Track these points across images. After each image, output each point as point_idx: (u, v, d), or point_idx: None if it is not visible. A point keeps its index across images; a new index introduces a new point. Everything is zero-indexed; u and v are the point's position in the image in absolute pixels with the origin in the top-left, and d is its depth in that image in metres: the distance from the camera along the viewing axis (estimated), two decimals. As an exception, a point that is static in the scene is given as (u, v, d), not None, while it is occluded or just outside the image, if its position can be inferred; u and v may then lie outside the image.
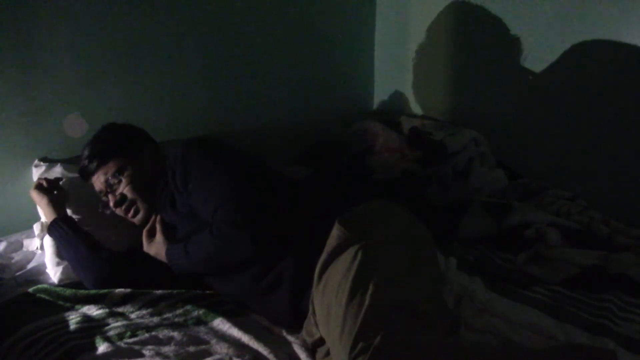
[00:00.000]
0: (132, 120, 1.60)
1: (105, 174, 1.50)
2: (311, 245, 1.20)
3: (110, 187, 1.51)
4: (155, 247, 1.43)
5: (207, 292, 1.39)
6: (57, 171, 1.67)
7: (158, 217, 1.47)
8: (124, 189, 1.50)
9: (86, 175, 1.53)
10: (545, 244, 1.57)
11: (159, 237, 1.44)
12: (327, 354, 1.12)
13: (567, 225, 1.64)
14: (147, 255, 1.46)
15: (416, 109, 2.39)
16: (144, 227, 1.49)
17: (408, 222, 1.17)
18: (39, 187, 1.56)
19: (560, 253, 1.52)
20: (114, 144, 1.52)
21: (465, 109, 2.26)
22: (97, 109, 1.81)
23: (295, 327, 1.25)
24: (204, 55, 2.03)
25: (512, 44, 2.03)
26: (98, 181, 1.52)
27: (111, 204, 1.51)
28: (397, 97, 2.48)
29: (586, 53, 1.83)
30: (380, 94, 2.55)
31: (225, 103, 2.12)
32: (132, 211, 1.51)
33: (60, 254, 1.51)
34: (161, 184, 1.50)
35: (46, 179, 1.58)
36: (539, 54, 1.96)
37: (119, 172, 1.50)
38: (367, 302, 0.98)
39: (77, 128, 1.77)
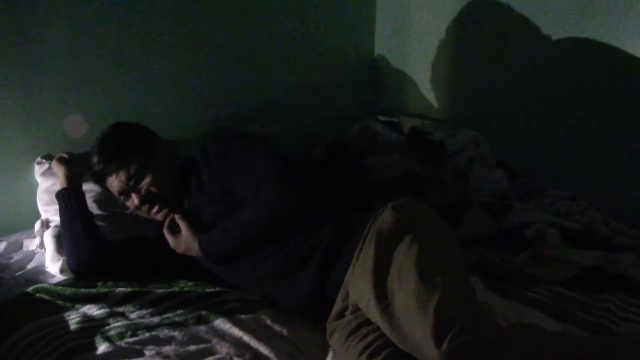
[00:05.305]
0: (132, 119, 1.60)
1: (127, 172, 1.43)
2: (343, 219, 1.31)
3: (133, 186, 1.44)
4: (185, 242, 1.41)
5: (207, 291, 1.39)
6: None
7: (177, 215, 1.44)
8: (149, 185, 1.44)
9: (102, 177, 1.47)
10: (545, 244, 1.57)
11: (185, 231, 1.41)
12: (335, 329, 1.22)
13: (567, 226, 1.64)
14: (142, 246, 1.48)
15: (416, 109, 2.39)
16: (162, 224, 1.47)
17: (440, 220, 1.29)
18: (59, 159, 1.56)
19: (560, 253, 1.52)
20: (131, 142, 1.48)
21: (465, 109, 2.26)
22: (97, 108, 1.81)
23: (313, 312, 1.30)
24: (204, 53, 2.03)
25: (513, 44, 2.04)
26: (117, 182, 1.45)
27: (136, 201, 1.44)
28: (397, 97, 2.48)
29: (587, 53, 1.83)
30: (380, 94, 2.55)
31: (225, 103, 2.11)
32: (157, 207, 1.46)
33: (61, 250, 1.51)
34: (181, 176, 1.50)
35: (69, 153, 1.58)
36: (539, 54, 1.96)
37: (141, 169, 1.44)
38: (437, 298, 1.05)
39: (77, 128, 1.77)
